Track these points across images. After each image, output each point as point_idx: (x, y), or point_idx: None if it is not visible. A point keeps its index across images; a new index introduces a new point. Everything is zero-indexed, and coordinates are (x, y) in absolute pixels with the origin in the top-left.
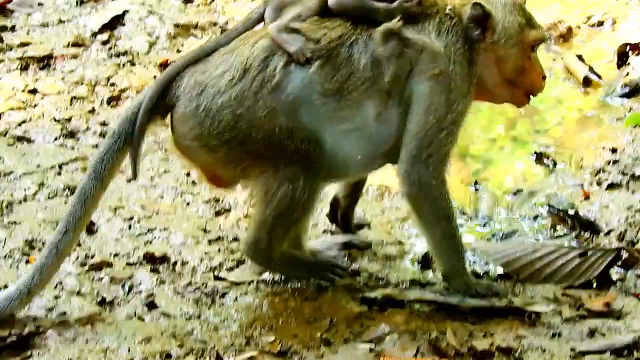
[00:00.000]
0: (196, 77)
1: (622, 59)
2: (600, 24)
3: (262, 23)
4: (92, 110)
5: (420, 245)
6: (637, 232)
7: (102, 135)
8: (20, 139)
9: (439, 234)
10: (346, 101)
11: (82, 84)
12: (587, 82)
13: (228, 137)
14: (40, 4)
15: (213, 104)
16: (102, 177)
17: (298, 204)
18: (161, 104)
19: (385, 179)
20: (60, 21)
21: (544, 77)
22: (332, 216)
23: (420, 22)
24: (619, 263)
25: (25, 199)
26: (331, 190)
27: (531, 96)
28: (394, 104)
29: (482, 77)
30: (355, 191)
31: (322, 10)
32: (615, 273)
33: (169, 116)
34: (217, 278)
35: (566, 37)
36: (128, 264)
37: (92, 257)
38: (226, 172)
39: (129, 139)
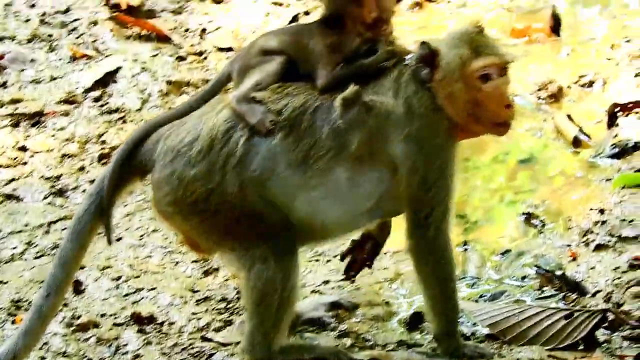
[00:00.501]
0: (169, 142)
1: (612, 119)
2: (591, 84)
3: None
4: (82, 168)
5: (407, 306)
6: (624, 293)
7: None
8: (8, 197)
9: (438, 294)
10: (314, 170)
11: (72, 141)
12: (576, 142)
13: (201, 208)
14: (32, 60)
15: (185, 174)
16: (80, 240)
17: (276, 283)
18: (136, 165)
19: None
20: (53, 78)
21: (508, 106)
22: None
23: (382, 71)
24: (605, 324)
25: (12, 259)
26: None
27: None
28: (368, 168)
29: (451, 117)
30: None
31: (284, 73)
32: (601, 335)
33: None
34: (204, 339)
35: (557, 96)
36: (115, 324)
37: (79, 317)
38: (201, 240)
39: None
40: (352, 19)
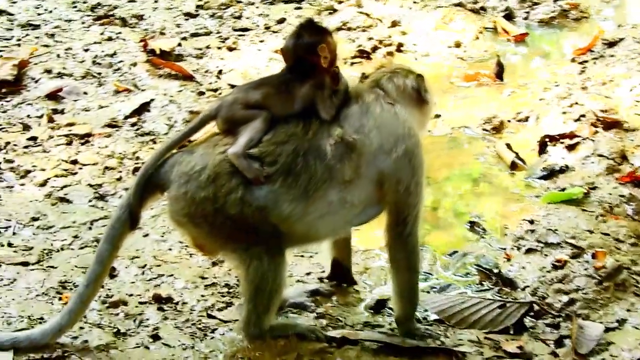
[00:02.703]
0: (183, 168)
1: (542, 148)
2: (527, 119)
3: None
4: (120, 179)
5: (373, 294)
6: (547, 289)
7: None
8: (61, 199)
9: (405, 282)
10: (312, 199)
11: (113, 157)
12: (513, 165)
13: (209, 221)
14: (85, 93)
15: (197, 195)
16: (114, 242)
17: (268, 277)
18: (156, 183)
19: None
20: (100, 106)
21: None
22: (335, 275)
23: (358, 107)
24: (532, 314)
25: (62, 248)
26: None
27: None
28: (357, 187)
29: (421, 127)
30: (346, 247)
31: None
32: (528, 322)
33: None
34: (209, 316)
35: (498, 129)
36: (140, 302)
37: (112, 296)
38: (208, 244)
39: None
40: (315, 63)
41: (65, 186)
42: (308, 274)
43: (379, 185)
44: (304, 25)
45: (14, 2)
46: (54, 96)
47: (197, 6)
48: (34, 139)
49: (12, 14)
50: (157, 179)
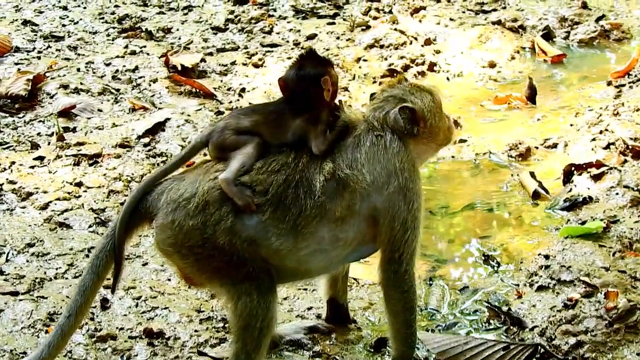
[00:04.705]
0: (171, 195)
1: (568, 177)
2: (555, 146)
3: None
4: (123, 203)
5: (375, 332)
6: (556, 329)
7: None
8: (61, 224)
9: (401, 322)
10: (302, 234)
11: (119, 180)
12: (536, 195)
13: (196, 252)
14: (100, 110)
15: (185, 223)
16: (98, 272)
17: (258, 314)
18: (144, 211)
19: (354, 272)
20: (114, 125)
21: (449, 117)
22: (333, 316)
23: (351, 140)
24: (537, 356)
25: (55, 277)
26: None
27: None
28: (350, 224)
29: (421, 157)
30: (342, 283)
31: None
32: None
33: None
34: (200, 353)
35: (525, 155)
36: (130, 337)
37: (101, 330)
38: (194, 276)
39: None
40: (315, 96)
41: (66, 210)
42: (309, 308)
43: (373, 222)
44: (306, 56)
45: (41, 12)
46: (66, 113)
47: (227, 20)
48: (40, 158)
49: (36, 24)
50: (144, 207)
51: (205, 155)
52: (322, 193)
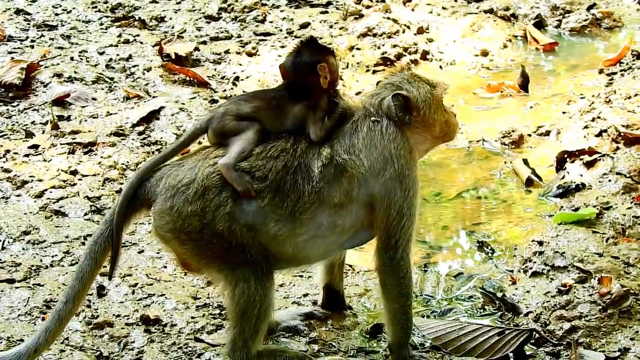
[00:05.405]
0: (170, 181)
1: (560, 164)
2: (547, 133)
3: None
4: (119, 191)
5: (371, 318)
6: (550, 314)
7: None
8: (56, 212)
9: (397, 308)
10: (300, 220)
11: (115, 168)
12: (529, 182)
13: (195, 237)
14: (94, 99)
15: (183, 209)
16: (96, 258)
17: (256, 301)
18: (142, 197)
19: (349, 259)
20: (108, 113)
21: (454, 115)
22: (329, 302)
23: (349, 126)
24: (532, 341)
25: (51, 265)
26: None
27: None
28: (347, 210)
29: (418, 147)
30: (339, 269)
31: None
32: (528, 349)
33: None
34: (197, 340)
35: (518, 143)
36: (126, 324)
37: (97, 317)
38: (193, 262)
39: None
40: (314, 84)
41: (61, 198)
42: (305, 295)
43: (371, 209)
44: (305, 43)
45: (34, 1)
46: (61, 102)
47: (220, 9)
48: (35, 147)
49: (29, 14)
50: (143, 193)
51: (199, 143)
52: (321, 179)
